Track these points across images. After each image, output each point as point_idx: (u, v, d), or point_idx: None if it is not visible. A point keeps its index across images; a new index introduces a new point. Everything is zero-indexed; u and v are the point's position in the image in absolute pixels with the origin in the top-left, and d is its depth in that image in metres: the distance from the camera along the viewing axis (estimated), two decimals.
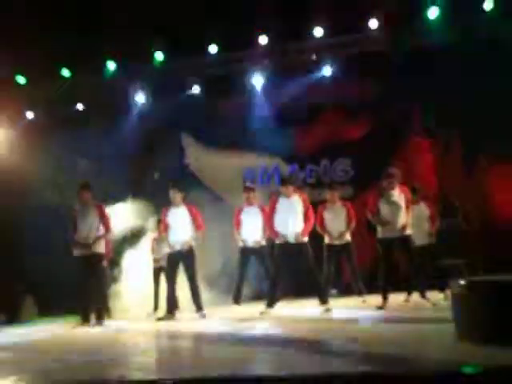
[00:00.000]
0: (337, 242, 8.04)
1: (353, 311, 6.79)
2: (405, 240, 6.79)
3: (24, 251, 11.69)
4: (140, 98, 12.21)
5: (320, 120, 11.80)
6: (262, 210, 8.04)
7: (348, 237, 8.16)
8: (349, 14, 10.25)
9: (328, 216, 8.16)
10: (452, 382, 2.49)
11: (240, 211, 8.18)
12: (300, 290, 9.21)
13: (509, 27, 9.79)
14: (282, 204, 7.03)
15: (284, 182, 7.23)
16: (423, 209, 8.03)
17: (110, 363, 3.72)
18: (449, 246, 9.24)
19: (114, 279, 9.82)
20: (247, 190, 8.34)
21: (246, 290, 8.91)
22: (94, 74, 12.11)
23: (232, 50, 11.58)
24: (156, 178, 11.69)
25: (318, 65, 11.51)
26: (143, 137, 11.79)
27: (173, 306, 7.33)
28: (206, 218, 8.37)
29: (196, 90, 12.08)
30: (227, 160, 11.65)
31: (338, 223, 8.12)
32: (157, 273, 9.03)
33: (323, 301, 6.89)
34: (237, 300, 8.02)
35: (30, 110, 12.18)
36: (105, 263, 8.61)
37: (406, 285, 7.79)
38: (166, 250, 8.05)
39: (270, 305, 6.92)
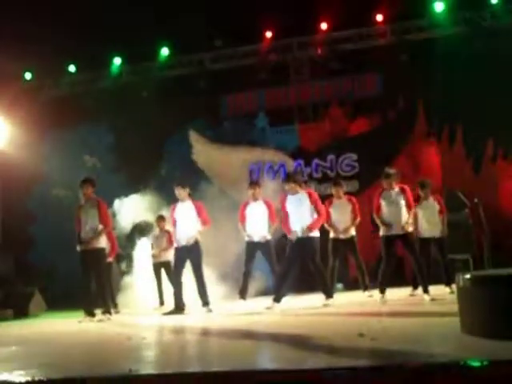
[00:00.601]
0: (342, 237, 8.08)
1: (358, 305, 6.81)
2: (406, 237, 6.90)
3: (32, 246, 11.77)
4: (145, 93, 12.24)
5: (326, 115, 11.81)
6: (268, 205, 8.08)
7: (353, 231, 8.19)
8: (354, 8, 10.21)
9: (334, 211, 8.21)
10: (457, 375, 2.50)
11: (245, 206, 8.22)
12: (307, 285, 9.24)
13: None
14: (290, 201, 7.09)
15: (287, 179, 7.30)
16: (432, 203, 8.06)
17: (116, 357, 3.75)
18: (455, 240, 9.24)
19: (122, 273, 9.88)
20: (252, 185, 8.37)
21: (257, 285, 8.95)
22: (99, 69, 12.16)
23: (238, 45, 11.60)
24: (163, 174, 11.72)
25: (322, 60, 11.49)
26: (150, 132, 11.80)
27: (181, 300, 7.38)
28: (216, 213, 8.40)
29: (203, 85, 12.10)
30: (234, 155, 11.67)
31: (343, 218, 8.17)
32: (157, 268, 9.06)
33: (328, 295, 6.96)
34: (242, 295, 8.05)
35: (37, 105, 12.23)
36: (110, 258, 8.68)
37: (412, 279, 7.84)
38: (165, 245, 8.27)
39: (277, 300, 6.97)
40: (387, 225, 6.91)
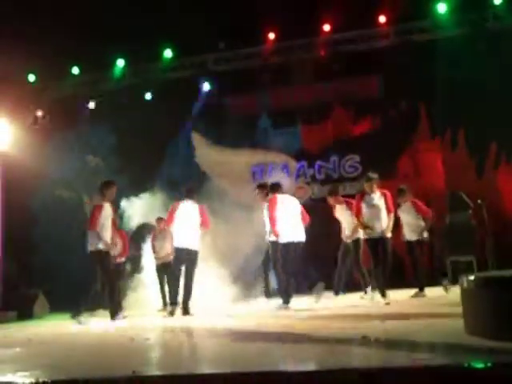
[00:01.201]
0: (348, 240, 8.15)
1: (362, 307, 6.80)
2: (384, 242, 7.01)
3: (35, 248, 11.79)
4: (148, 94, 12.26)
5: (328, 117, 11.81)
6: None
7: (358, 234, 8.18)
8: (357, 10, 10.21)
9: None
10: (461, 377, 2.50)
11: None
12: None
13: None
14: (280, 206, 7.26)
15: (267, 188, 7.70)
16: (410, 207, 8.14)
17: (120, 359, 3.76)
18: (458, 241, 9.23)
19: (129, 275, 9.89)
20: (257, 187, 8.42)
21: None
22: (103, 71, 12.18)
23: (241, 47, 11.61)
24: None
25: (325, 61, 11.49)
26: (153, 133, 11.82)
27: (176, 299, 7.34)
28: (218, 214, 8.41)
29: (206, 87, 12.12)
30: (237, 157, 11.68)
31: (348, 221, 8.22)
32: (160, 269, 9.01)
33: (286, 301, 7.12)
34: (267, 295, 8.27)
35: (40, 107, 12.26)
36: (122, 259, 8.76)
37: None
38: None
39: (286, 301, 7.03)
40: (367, 228, 7.06)
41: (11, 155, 10.66)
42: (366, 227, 7.07)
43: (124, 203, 10.40)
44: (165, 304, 8.85)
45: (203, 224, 7.56)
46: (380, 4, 10.52)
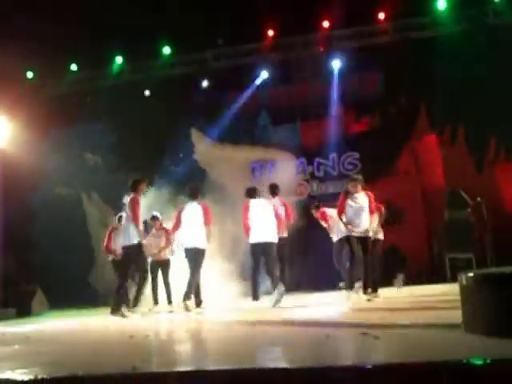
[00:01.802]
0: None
1: (361, 304, 6.81)
2: (365, 240, 7.15)
3: (34, 245, 11.79)
4: (147, 91, 12.25)
5: (327, 114, 11.80)
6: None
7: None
8: (356, 6, 10.19)
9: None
10: (459, 374, 2.50)
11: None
12: (309, 284, 9.31)
13: None
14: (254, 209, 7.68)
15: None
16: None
17: (119, 355, 3.75)
18: (457, 238, 9.23)
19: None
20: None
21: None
22: (101, 68, 12.16)
23: (240, 44, 11.59)
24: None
25: (324, 58, 11.48)
26: (152, 130, 11.80)
27: (195, 293, 7.50)
28: (218, 211, 8.44)
29: (205, 84, 12.10)
30: (236, 154, 11.67)
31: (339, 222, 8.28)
32: (154, 267, 8.97)
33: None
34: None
35: (39, 105, 12.24)
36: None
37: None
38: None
39: (253, 298, 7.30)
40: (347, 226, 7.20)
41: (10, 152, 10.64)
42: (347, 225, 7.21)
43: (121, 201, 10.38)
44: (156, 302, 8.77)
45: (205, 222, 7.64)
46: (379, 0, 10.50)
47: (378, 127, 11.35)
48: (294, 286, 9.41)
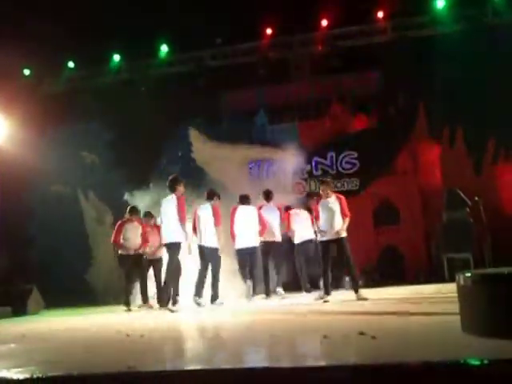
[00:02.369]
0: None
1: (359, 304, 6.81)
2: (340, 241, 7.19)
3: (31, 243, 11.75)
4: (144, 90, 12.22)
5: (326, 113, 11.78)
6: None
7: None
8: (355, 5, 10.18)
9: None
10: (457, 374, 2.49)
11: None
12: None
13: None
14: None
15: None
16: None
17: (115, 354, 3.74)
18: (455, 238, 9.23)
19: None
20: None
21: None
22: (98, 66, 12.12)
23: (238, 42, 11.56)
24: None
25: (323, 57, 11.46)
26: (149, 129, 11.77)
27: (201, 291, 7.67)
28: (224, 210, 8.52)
29: (202, 82, 12.07)
30: (233, 153, 11.64)
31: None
32: (146, 265, 8.88)
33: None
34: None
35: (36, 102, 12.20)
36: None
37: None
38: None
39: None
40: (322, 232, 7.28)
41: (6, 150, 10.61)
42: (321, 231, 7.29)
43: (122, 199, 10.36)
44: (145, 301, 8.71)
45: (216, 223, 7.76)
46: None
47: (377, 126, 11.34)
48: (293, 286, 9.44)
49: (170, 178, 7.75)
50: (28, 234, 11.84)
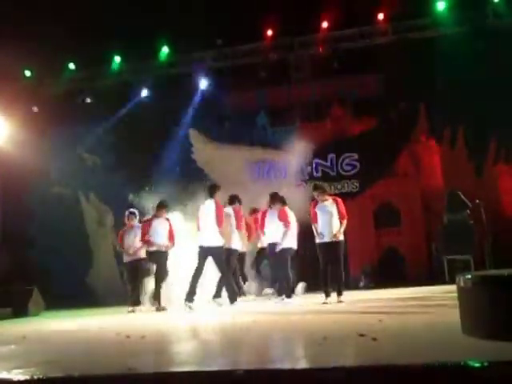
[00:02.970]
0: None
1: (359, 305, 6.81)
2: (335, 244, 7.20)
3: (31, 245, 11.75)
4: (145, 92, 12.22)
5: (326, 114, 11.79)
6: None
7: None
8: (355, 7, 10.17)
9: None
10: (457, 376, 2.49)
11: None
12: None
13: None
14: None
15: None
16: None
17: (115, 356, 3.73)
18: (456, 240, 9.22)
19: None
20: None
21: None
22: (99, 67, 12.12)
23: (239, 44, 11.57)
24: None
25: (324, 58, 11.46)
26: (150, 130, 11.78)
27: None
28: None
29: (203, 84, 12.08)
30: (234, 154, 11.65)
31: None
32: (135, 268, 8.69)
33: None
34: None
35: (37, 103, 12.22)
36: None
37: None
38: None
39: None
40: (319, 234, 7.30)
41: (7, 151, 10.62)
42: (318, 234, 7.30)
43: (123, 200, 10.36)
44: (135, 303, 8.48)
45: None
46: (379, 1, 10.48)
47: (377, 128, 11.34)
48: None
49: (209, 184, 7.99)
50: (28, 235, 11.85)
